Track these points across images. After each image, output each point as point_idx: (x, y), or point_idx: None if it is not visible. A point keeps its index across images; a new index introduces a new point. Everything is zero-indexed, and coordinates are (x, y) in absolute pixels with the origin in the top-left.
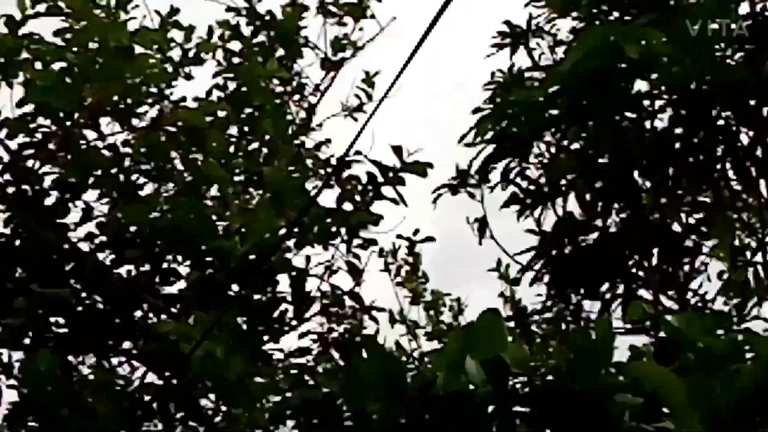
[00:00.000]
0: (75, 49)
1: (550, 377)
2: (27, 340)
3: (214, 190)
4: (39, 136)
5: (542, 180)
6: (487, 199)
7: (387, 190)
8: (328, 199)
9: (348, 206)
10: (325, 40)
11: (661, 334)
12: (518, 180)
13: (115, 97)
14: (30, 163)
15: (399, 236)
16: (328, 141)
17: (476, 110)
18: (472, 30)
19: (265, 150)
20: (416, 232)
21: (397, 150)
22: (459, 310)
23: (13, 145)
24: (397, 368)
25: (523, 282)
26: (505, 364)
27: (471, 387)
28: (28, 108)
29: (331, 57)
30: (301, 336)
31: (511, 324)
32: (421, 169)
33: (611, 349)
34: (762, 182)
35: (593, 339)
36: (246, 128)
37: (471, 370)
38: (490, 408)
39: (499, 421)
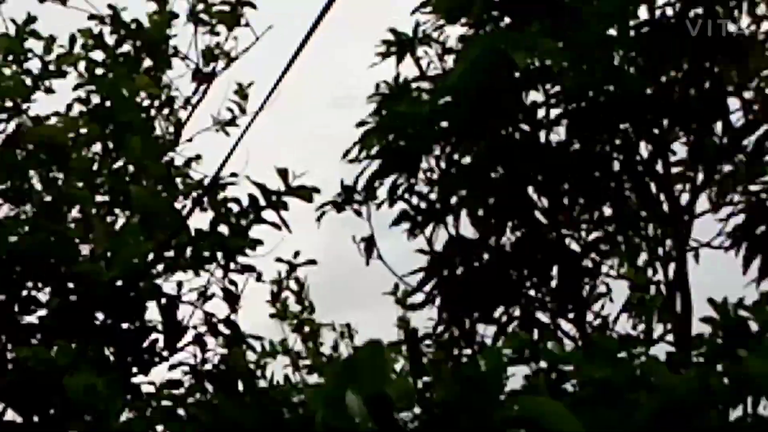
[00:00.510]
0: None
1: (437, 411)
2: None
3: (76, 212)
4: None
5: (433, 197)
6: (375, 218)
7: (268, 214)
8: (203, 221)
9: (224, 229)
10: (197, 49)
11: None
12: (407, 197)
13: None
14: None
15: (278, 259)
16: (199, 157)
17: (361, 123)
18: (356, 39)
19: (131, 168)
20: (296, 254)
21: (282, 173)
22: (350, 336)
23: None
24: (272, 405)
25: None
26: (389, 399)
27: (352, 424)
28: None
29: (202, 68)
30: (172, 367)
31: (404, 348)
32: (306, 194)
33: (501, 380)
34: (662, 198)
35: (483, 370)
36: (111, 145)
37: (352, 406)
38: None
39: None
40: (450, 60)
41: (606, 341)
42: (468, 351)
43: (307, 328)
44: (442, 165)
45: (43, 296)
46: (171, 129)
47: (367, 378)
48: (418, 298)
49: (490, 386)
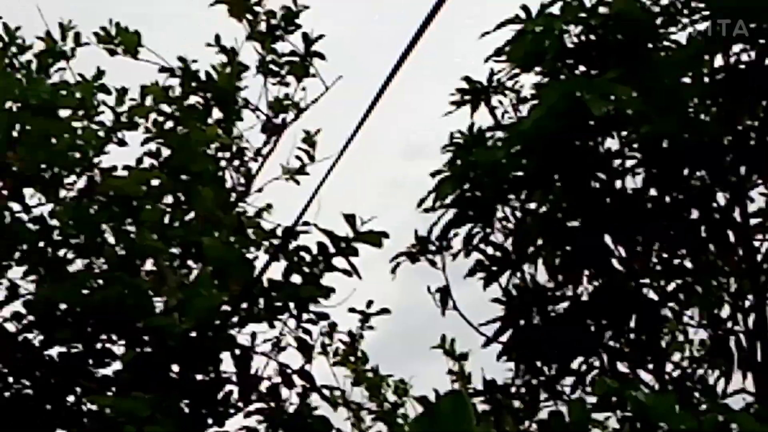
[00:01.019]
0: None
1: None
2: None
3: (149, 264)
4: None
5: (508, 245)
6: (450, 265)
7: (339, 261)
8: (274, 270)
9: (296, 278)
10: (266, 100)
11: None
12: (482, 246)
13: (42, 165)
14: None
15: (351, 309)
16: (270, 207)
17: (436, 173)
18: (429, 88)
19: (203, 219)
20: (369, 304)
21: (350, 219)
22: (404, 391)
23: None
24: None
25: (481, 356)
26: None
27: None
28: None
29: (272, 119)
30: (247, 415)
31: (480, 399)
32: (375, 239)
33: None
34: (739, 248)
35: (567, 422)
36: (182, 196)
37: None
38: None
39: None
40: (525, 109)
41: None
42: (548, 402)
43: (364, 380)
44: (518, 214)
45: (118, 349)
46: (241, 180)
47: (450, 427)
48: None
49: None
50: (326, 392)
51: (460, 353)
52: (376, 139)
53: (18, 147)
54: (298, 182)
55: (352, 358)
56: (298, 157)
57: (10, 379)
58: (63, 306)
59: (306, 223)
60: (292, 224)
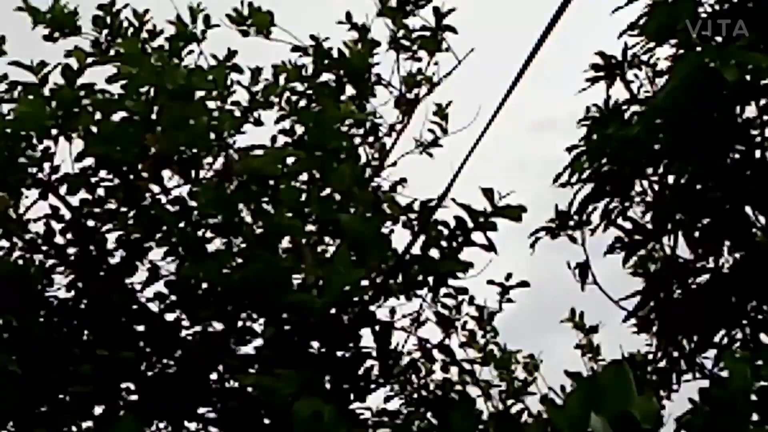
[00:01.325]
0: (134, 97)
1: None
2: (96, 409)
3: (286, 242)
4: (101, 191)
5: (646, 220)
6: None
7: (477, 236)
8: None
9: (434, 253)
10: (399, 76)
11: None
12: (620, 220)
13: (180, 147)
14: (92, 220)
15: (490, 282)
16: (404, 181)
17: (571, 148)
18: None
19: (339, 196)
20: (509, 276)
21: (488, 193)
22: (534, 366)
23: (74, 201)
24: (516, 428)
25: (619, 331)
26: (635, 419)
27: None
28: (89, 161)
29: (405, 94)
30: (388, 400)
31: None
32: (514, 213)
33: (749, 402)
34: None
35: (730, 392)
36: (317, 174)
37: (597, 427)
38: None
39: None
40: (660, 82)
41: None
42: (688, 375)
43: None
44: (656, 188)
45: (258, 327)
46: (376, 155)
47: (611, 398)
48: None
49: (739, 408)
50: (466, 365)
51: (590, 326)
52: (505, 113)
53: (156, 130)
54: (431, 155)
55: (480, 333)
56: (430, 131)
57: (154, 359)
58: (204, 285)
59: (444, 197)
60: (436, 199)
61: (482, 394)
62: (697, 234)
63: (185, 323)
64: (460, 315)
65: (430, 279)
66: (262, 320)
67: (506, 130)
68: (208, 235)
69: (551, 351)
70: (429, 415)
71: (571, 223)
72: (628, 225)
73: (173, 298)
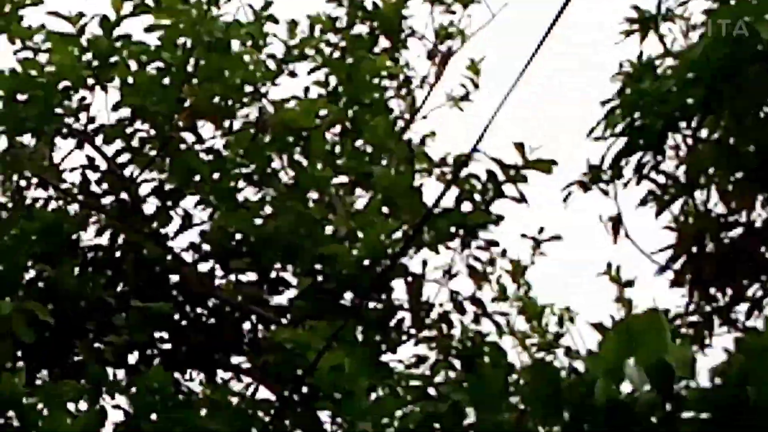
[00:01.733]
0: (171, 48)
1: (718, 381)
2: (131, 358)
3: (318, 193)
4: (136, 141)
5: (680, 173)
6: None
7: (508, 189)
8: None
9: (467, 206)
10: (432, 29)
11: None
12: (653, 174)
13: (215, 98)
14: (127, 170)
15: (523, 236)
16: (434, 134)
17: (605, 102)
18: (595, 17)
19: (370, 149)
20: (541, 230)
21: (520, 147)
22: (570, 319)
23: (109, 151)
24: (552, 376)
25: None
26: (670, 367)
27: (632, 393)
28: (125, 112)
29: (438, 47)
30: (418, 343)
31: None
32: (545, 166)
33: None
34: None
35: (766, 342)
36: (350, 126)
37: (632, 374)
38: (655, 416)
39: (664, 430)
40: (695, 36)
41: None
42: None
43: (529, 309)
44: (689, 141)
45: (291, 278)
46: (408, 108)
47: (646, 346)
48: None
49: None
50: (499, 318)
51: (626, 280)
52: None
53: (192, 81)
54: (462, 109)
55: (516, 286)
56: (462, 85)
57: (188, 308)
58: (237, 235)
59: (475, 150)
60: (471, 150)
61: (518, 344)
62: (730, 188)
63: (218, 273)
64: (494, 268)
65: (462, 232)
66: (295, 271)
67: (539, 84)
68: (241, 185)
69: (583, 307)
70: (458, 365)
71: (604, 177)
72: (660, 179)
73: (206, 247)
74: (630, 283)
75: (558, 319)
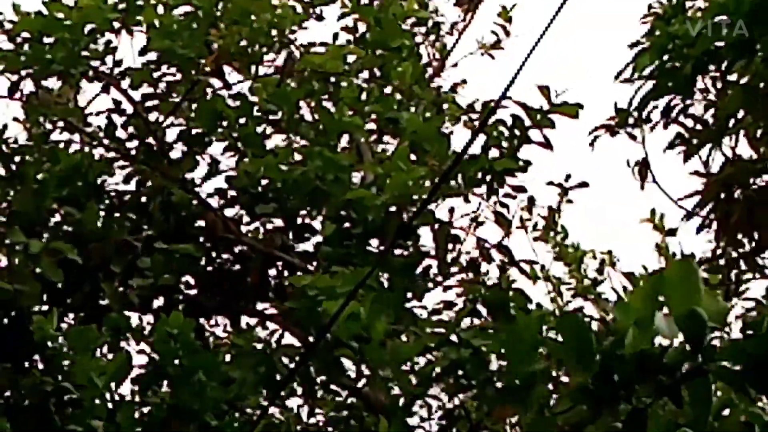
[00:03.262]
0: None
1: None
2: (156, 303)
3: (345, 140)
4: (163, 85)
5: (708, 118)
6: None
7: (535, 134)
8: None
9: (493, 152)
10: None
11: None
12: (682, 118)
13: (242, 42)
14: (153, 114)
15: (550, 183)
16: (464, 82)
17: (633, 44)
18: None
19: (398, 95)
20: (568, 177)
21: (545, 90)
22: (612, 264)
23: (135, 95)
24: (582, 327)
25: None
26: (702, 318)
27: (662, 344)
28: (151, 56)
29: None
30: (446, 290)
31: None
32: (571, 110)
33: None
34: None
35: None
36: (378, 72)
37: (662, 324)
38: (685, 367)
39: (696, 382)
40: None
41: None
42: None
43: (566, 256)
44: (718, 85)
45: (317, 224)
46: (437, 55)
47: (678, 296)
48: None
49: None
50: (525, 267)
51: (669, 228)
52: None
53: (219, 25)
54: (492, 57)
55: (552, 233)
56: (493, 32)
57: (213, 254)
58: (263, 181)
59: (504, 98)
60: (500, 97)
61: (554, 291)
62: (759, 133)
63: (245, 220)
64: (531, 215)
65: (489, 178)
66: (321, 218)
67: (563, 27)
68: (268, 131)
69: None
70: (485, 312)
71: (632, 120)
72: (689, 123)
73: (233, 193)
74: (673, 232)
75: (599, 264)
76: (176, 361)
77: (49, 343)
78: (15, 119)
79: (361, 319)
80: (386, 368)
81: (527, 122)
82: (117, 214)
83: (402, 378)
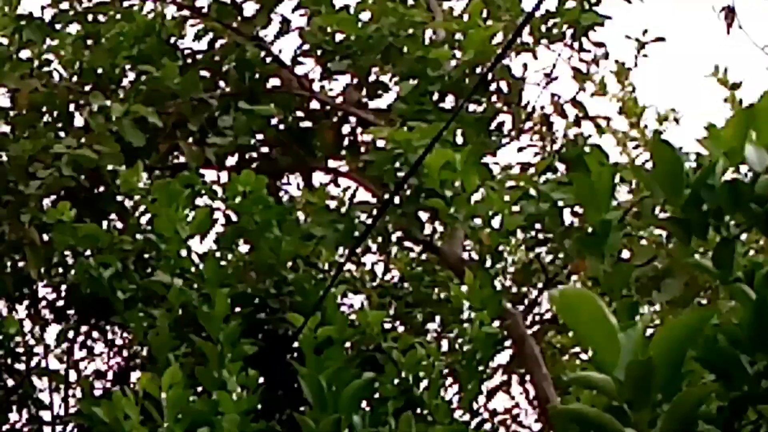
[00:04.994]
0: None
1: None
2: (231, 161)
3: None
4: None
5: None
6: None
7: None
8: None
9: (570, 4)
10: None
11: None
12: None
13: None
14: None
15: (627, 37)
16: None
17: None
18: None
19: None
20: (645, 32)
21: None
22: (675, 120)
23: None
24: (674, 155)
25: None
26: None
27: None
28: None
29: None
30: (520, 150)
31: None
32: None
33: None
34: None
35: None
36: None
37: (753, 155)
38: None
39: None
40: None
41: None
42: None
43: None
44: None
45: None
46: None
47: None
48: None
49: None
50: (601, 122)
51: (733, 83)
52: None
53: None
54: None
55: (620, 87)
56: None
57: (286, 112)
58: (337, 37)
59: None
60: None
61: (619, 144)
62: None
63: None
64: (599, 67)
65: (565, 33)
66: (395, 75)
67: None
68: None
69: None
70: (561, 168)
71: None
72: None
73: (306, 47)
74: (737, 86)
75: (659, 118)
76: (251, 217)
77: (135, 198)
78: None
79: (457, 169)
80: (465, 222)
81: None
82: (191, 72)
83: (480, 232)
